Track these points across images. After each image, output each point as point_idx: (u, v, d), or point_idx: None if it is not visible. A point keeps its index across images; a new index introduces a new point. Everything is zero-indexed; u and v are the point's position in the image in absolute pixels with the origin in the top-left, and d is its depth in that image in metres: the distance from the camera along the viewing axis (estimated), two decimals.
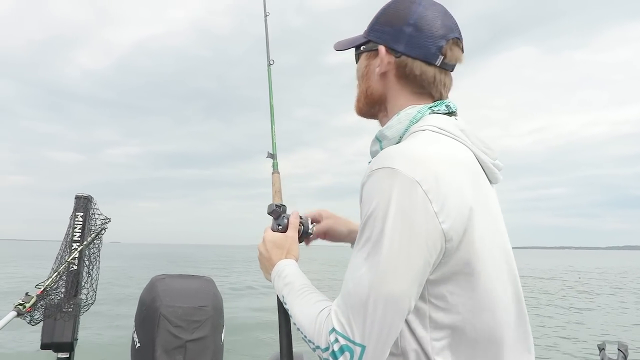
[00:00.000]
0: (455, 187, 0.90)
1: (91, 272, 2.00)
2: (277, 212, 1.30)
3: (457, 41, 1.05)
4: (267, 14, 1.57)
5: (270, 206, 1.32)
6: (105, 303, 12.07)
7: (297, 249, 1.23)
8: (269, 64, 1.50)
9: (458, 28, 1.06)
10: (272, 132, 1.43)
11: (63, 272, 1.92)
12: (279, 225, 1.28)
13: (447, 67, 1.05)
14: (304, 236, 1.33)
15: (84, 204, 2.01)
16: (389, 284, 0.84)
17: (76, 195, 1.99)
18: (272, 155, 1.42)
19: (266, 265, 1.20)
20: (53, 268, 1.93)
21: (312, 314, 0.95)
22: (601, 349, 2.04)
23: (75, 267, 1.95)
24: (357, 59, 1.16)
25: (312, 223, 1.36)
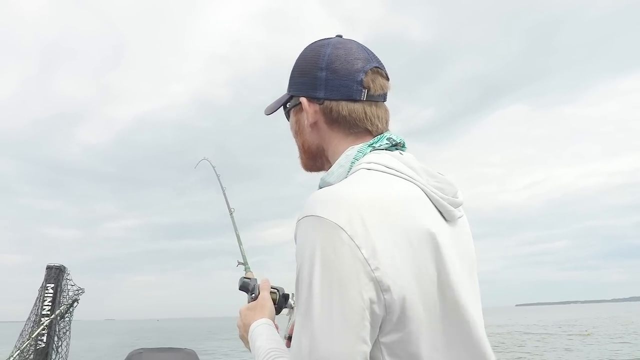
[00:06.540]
0: (388, 230, 0.82)
1: (59, 350, 1.85)
2: (248, 284, 1.28)
3: (378, 70, 1.02)
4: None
5: (240, 280, 1.31)
6: None
7: (271, 307, 1.18)
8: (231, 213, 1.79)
9: (376, 57, 1.04)
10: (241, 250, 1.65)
11: (29, 350, 1.77)
12: (252, 293, 1.26)
13: (376, 99, 1.01)
14: (280, 306, 1.25)
15: (55, 274, 1.89)
16: (326, 345, 0.76)
17: (47, 265, 1.88)
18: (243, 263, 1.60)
19: (244, 335, 1.15)
20: (16, 346, 1.77)
21: None
22: None
23: (43, 345, 1.80)
24: (288, 117, 1.13)
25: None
